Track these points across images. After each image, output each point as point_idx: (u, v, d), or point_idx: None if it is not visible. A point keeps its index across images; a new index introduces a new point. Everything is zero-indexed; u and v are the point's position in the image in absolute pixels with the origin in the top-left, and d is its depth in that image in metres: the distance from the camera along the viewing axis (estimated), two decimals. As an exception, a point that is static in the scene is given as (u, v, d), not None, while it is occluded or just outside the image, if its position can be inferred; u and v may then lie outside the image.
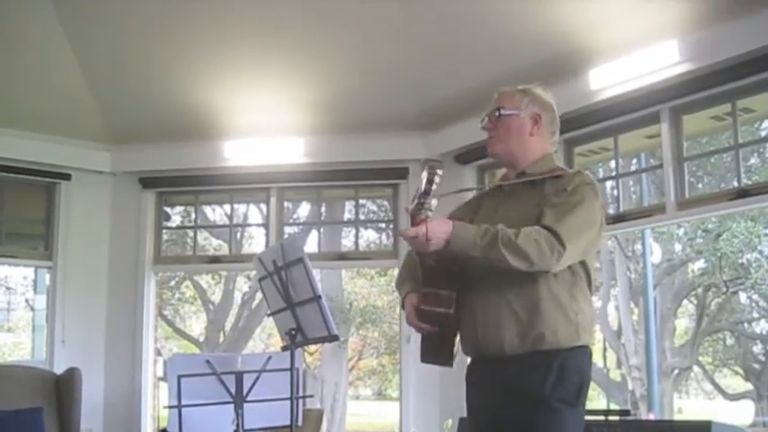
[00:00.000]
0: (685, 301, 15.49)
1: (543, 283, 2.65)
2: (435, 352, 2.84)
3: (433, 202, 2.50)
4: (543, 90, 2.99)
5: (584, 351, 2.74)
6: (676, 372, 14.85)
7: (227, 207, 8.79)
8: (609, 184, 10.41)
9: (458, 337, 2.83)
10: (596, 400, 15.56)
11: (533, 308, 2.65)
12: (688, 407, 16.94)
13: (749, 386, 15.34)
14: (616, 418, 5.00)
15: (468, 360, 2.92)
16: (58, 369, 6.59)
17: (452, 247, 2.57)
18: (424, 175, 2.44)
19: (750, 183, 5.89)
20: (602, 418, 4.92)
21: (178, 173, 7.40)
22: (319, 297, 3.81)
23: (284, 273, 3.88)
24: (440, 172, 2.44)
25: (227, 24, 6.17)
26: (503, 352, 2.69)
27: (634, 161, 10.74)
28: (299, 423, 4.21)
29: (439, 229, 2.57)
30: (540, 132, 2.91)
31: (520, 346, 2.66)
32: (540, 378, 2.64)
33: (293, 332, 3.90)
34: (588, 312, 2.75)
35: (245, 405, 4.35)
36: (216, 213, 12.59)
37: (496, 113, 2.88)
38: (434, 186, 2.42)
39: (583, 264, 2.74)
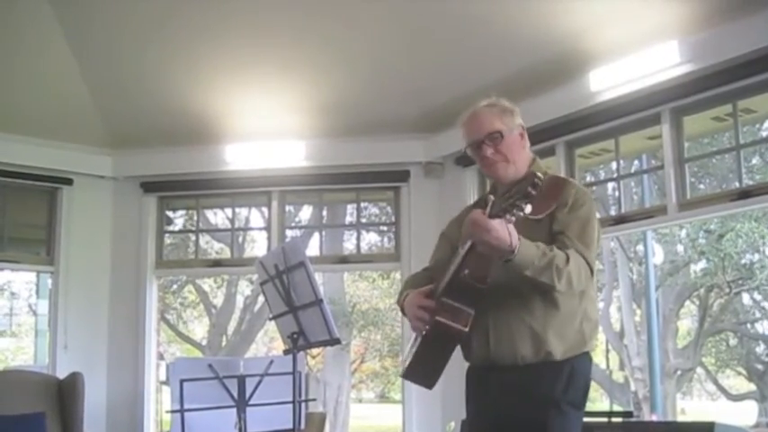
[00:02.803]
0: (688, 302, 15.48)
1: (555, 294, 2.65)
2: (424, 372, 2.80)
3: (528, 208, 2.38)
4: (505, 99, 2.94)
5: (588, 356, 2.80)
6: (679, 373, 14.85)
7: (228, 211, 8.82)
8: (610, 185, 10.41)
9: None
10: (599, 401, 15.56)
11: (545, 321, 2.68)
12: (691, 408, 16.93)
13: (752, 387, 15.33)
14: (619, 419, 5.00)
15: (468, 365, 2.91)
16: (61, 374, 6.59)
17: (513, 262, 2.49)
18: (533, 180, 2.31)
19: (752, 183, 5.89)
20: (605, 419, 4.92)
21: (180, 177, 7.40)
22: (321, 301, 3.82)
23: (286, 276, 3.89)
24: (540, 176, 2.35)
25: (228, 28, 6.18)
26: (515, 363, 2.71)
27: (635, 162, 10.73)
28: (302, 426, 4.21)
29: (514, 236, 2.46)
30: (526, 144, 2.92)
31: (533, 357, 2.69)
32: (550, 383, 2.68)
33: (295, 336, 3.90)
34: (594, 318, 2.80)
35: (248, 409, 4.35)
36: (218, 217, 12.60)
37: (500, 136, 2.82)
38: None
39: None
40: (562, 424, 2.67)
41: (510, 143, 2.84)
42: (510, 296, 2.63)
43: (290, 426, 3.97)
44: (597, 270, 2.83)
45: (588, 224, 2.71)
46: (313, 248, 8.26)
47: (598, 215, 2.87)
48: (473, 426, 2.92)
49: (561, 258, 2.56)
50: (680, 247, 14.89)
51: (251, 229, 13.38)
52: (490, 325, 2.73)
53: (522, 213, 2.38)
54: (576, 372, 2.71)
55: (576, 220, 2.70)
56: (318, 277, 7.88)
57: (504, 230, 2.44)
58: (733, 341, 15.52)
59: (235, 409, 4.34)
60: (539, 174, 2.35)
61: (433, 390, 2.89)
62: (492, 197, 2.47)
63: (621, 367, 15.34)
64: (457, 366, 2.87)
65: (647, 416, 12.81)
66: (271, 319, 4.22)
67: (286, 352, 4.02)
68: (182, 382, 4.20)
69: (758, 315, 15.26)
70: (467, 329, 2.63)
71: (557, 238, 2.67)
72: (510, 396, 2.72)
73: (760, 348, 15.23)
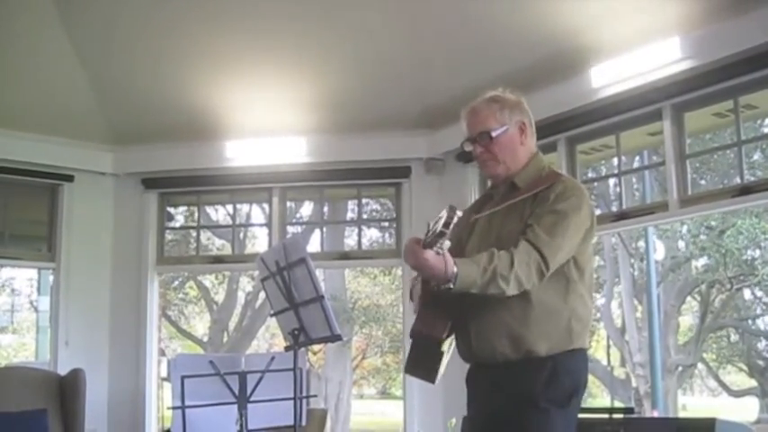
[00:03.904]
0: (689, 298, 15.46)
1: (535, 293, 2.65)
2: (422, 368, 2.85)
3: (447, 243, 2.45)
4: (511, 92, 2.93)
5: (579, 354, 2.75)
6: (680, 369, 14.83)
7: (229, 207, 8.80)
8: (611, 181, 10.38)
9: (444, 357, 2.84)
10: (600, 397, 15.57)
11: (526, 319, 2.67)
12: (692, 404, 16.94)
13: (753, 383, 15.32)
14: (620, 415, 4.99)
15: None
16: (62, 370, 6.60)
17: (455, 287, 2.51)
18: (443, 217, 2.38)
19: (753, 179, 5.88)
20: (606, 415, 4.92)
21: (181, 173, 7.40)
22: (322, 297, 3.81)
23: (287, 273, 3.89)
24: (459, 213, 2.39)
25: (229, 24, 6.17)
26: (495, 360, 2.73)
27: (636, 158, 10.72)
28: (303, 423, 4.21)
29: (449, 264, 2.48)
30: (526, 139, 2.89)
31: (513, 354, 2.69)
32: (530, 379, 2.66)
33: (296, 332, 3.90)
34: (584, 316, 2.76)
35: (249, 405, 4.34)
36: (219, 213, 12.60)
37: (488, 137, 2.82)
38: (450, 230, 2.38)
39: (577, 266, 2.74)
40: (541, 422, 2.64)
41: (502, 142, 2.83)
42: (489, 297, 2.60)
43: (292, 422, 3.97)
44: (598, 266, 2.83)
45: (564, 218, 2.67)
46: (314, 245, 8.26)
47: (599, 211, 2.86)
48: (467, 422, 2.97)
49: (504, 264, 2.54)
50: (681, 243, 14.88)
51: (252, 225, 13.38)
52: (471, 325, 2.75)
53: (443, 249, 2.44)
54: (559, 369, 2.68)
55: (551, 214, 2.68)
56: (319, 273, 7.88)
57: (437, 261, 2.46)
58: (734, 337, 15.51)
59: (236, 406, 4.34)
60: (456, 210, 2.37)
61: (435, 386, 2.92)
62: (430, 224, 2.46)
63: (622, 363, 15.32)
64: (459, 363, 2.89)
65: (649, 412, 12.80)
66: (272, 316, 4.22)
67: (287, 348, 4.01)
68: (183, 378, 4.20)
69: (759, 311, 15.25)
70: (443, 336, 2.71)
71: (524, 231, 2.67)
72: (493, 394, 2.74)
73: (761, 344, 15.22)
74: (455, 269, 2.48)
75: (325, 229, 8.29)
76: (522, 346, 2.67)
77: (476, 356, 2.79)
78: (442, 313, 2.72)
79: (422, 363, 2.83)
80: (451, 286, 2.50)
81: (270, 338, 17.43)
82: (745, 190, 5.05)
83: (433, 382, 2.86)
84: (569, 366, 2.70)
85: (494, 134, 2.82)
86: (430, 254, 2.44)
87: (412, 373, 2.88)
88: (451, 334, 2.78)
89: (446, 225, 2.37)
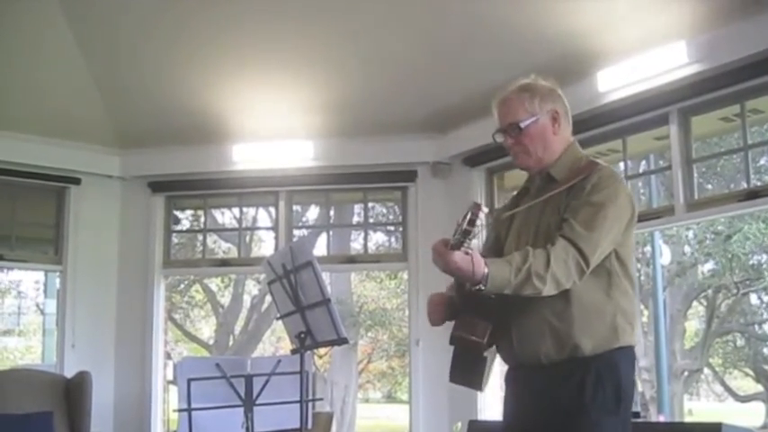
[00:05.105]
0: (695, 303, 15.42)
1: (576, 289, 2.57)
2: (466, 375, 2.78)
3: (474, 242, 2.40)
4: (543, 79, 2.86)
5: (625, 352, 2.65)
6: (686, 373, 14.80)
7: (236, 210, 8.83)
8: (618, 185, 10.33)
9: (488, 364, 2.78)
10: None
11: (568, 316, 2.59)
12: (698, 409, 16.87)
13: (760, 388, 15.28)
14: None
15: (506, 366, 2.85)
16: (69, 373, 6.62)
17: (486, 289, 2.44)
18: (468, 215, 2.34)
19: (759, 184, 5.87)
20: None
21: (187, 177, 7.42)
22: (328, 300, 3.82)
23: (293, 276, 3.90)
24: (486, 210, 2.35)
25: (237, 28, 6.19)
26: (539, 362, 2.64)
27: (643, 163, 10.70)
28: (309, 426, 4.21)
29: (478, 265, 2.41)
30: (560, 128, 2.82)
31: (557, 355, 2.60)
32: (576, 383, 2.57)
33: (303, 335, 3.91)
34: (628, 311, 2.66)
35: (255, 408, 4.35)
36: (225, 217, 12.62)
37: (517, 128, 2.75)
38: (476, 228, 2.33)
39: (619, 259, 2.66)
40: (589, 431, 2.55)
41: (532, 133, 2.76)
42: (530, 296, 2.52)
43: (298, 425, 3.97)
44: (633, 261, 2.75)
45: (601, 209, 2.58)
46: (320, 248, 8.27)
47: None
48: (505, 426, 2.83)
49: (540, 263, 2.47)
50: (687, 248, 14.84)
51: (258, 228, 13.36)
52: (513, 326, 2.66)
53: (471, 248, 2.39)
54: (605, 370, 2.57)
55: (587, 206, 2.59)
56: (326, 277, 7.88)
57: (464, 262, 2.40)
58: (740, 342, 15.47)
59: (242, 409, 4.35)
60: (481, 206, 2.33)
61: (441, 390, 2.91)
62: (459, 222, 2.39)
63: (628, 368, 15.27)
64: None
65: (655, 417, 12.77)
66: (278, 319, 4.23)
67: (293, 351, 4.02)
68: (189, 381, 4.20)
69: (766, 316, 15.20)
70: (484, 340, 2.63)
71: (561, 225, 2.60)
72: (538, 399, 2.64)
73: (767, 349, 15.18)
74: (485, 270, 2.41)
75: (331, 233, 8.28)
76: (567, 345, 2.58)
77: (518, 358, 2.70)
78: (482, 317, 2.64)
79: (464, 370, 2.76)
80: (482, 288, 2.44)
81: (276, 342, 17.43)
82: (752, 194, 5.05)
83: (479, 389, 2.81)
84: (615, 367, 2.60)
85: (523, 125, 2.75)
86: (458, 255, 2.38)
87: (455, 381, 2.81)
88: (493, 338, 2.68)
89: (471, 223, 2.33)
